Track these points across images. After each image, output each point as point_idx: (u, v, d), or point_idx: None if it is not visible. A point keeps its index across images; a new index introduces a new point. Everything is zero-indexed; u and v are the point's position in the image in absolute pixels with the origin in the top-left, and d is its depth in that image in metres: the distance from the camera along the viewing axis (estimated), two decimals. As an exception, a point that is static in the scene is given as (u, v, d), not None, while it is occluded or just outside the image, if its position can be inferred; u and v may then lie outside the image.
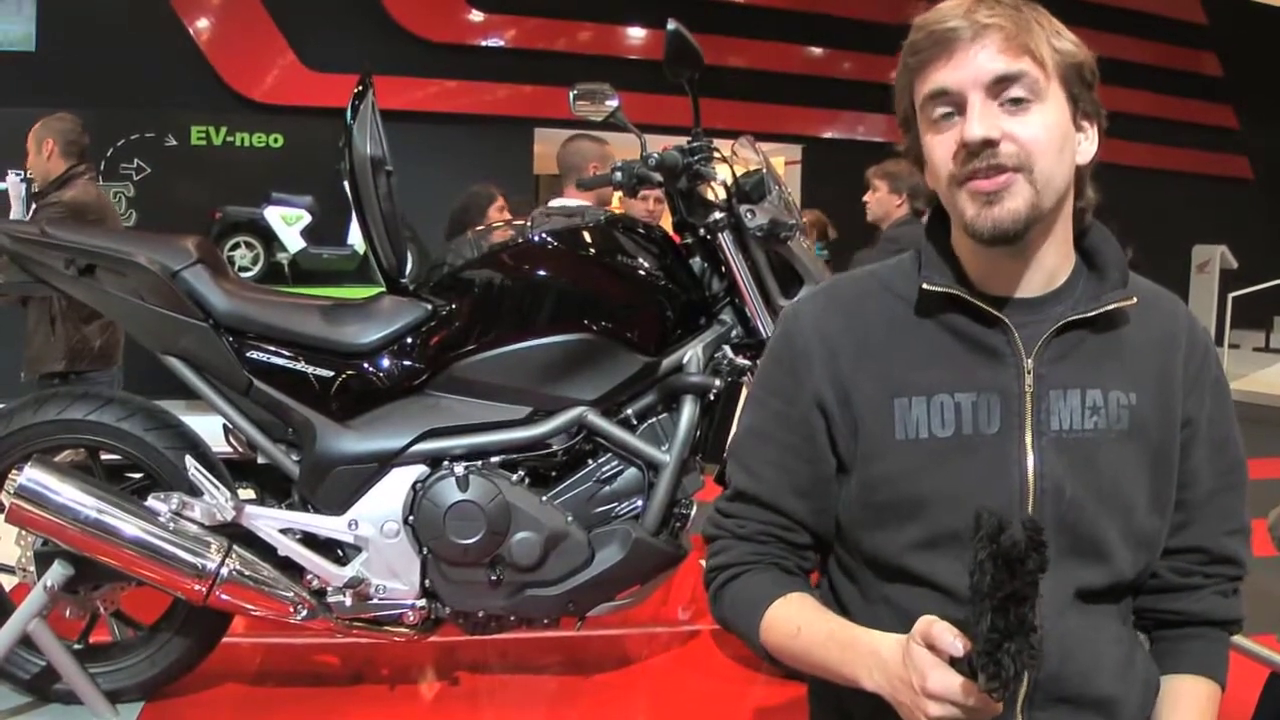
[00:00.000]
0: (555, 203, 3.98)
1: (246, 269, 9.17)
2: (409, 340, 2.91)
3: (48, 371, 4.54)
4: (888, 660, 1.16)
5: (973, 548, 1.03)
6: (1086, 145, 1.29)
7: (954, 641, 1.07)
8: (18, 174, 5.28)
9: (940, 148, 1.24)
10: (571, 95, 3.06)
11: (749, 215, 2.99)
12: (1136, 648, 1.37)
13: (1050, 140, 1.22)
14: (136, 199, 9.29)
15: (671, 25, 2.86)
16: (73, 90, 8.52)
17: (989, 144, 1.20)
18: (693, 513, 2.98)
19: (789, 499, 1.37)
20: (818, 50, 12.15)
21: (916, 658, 1.10)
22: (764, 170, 3.14)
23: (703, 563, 1.47)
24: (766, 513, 1.39)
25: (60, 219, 4.27)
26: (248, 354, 2.87)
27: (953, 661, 1.08)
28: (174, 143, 9.51)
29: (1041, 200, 1.22)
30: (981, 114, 1.20)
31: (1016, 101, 1.21)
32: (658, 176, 3.03)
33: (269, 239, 9.32)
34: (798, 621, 1.32)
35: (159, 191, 9.33)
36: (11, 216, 5.28)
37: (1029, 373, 1.28)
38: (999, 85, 1.20)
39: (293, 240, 9.29)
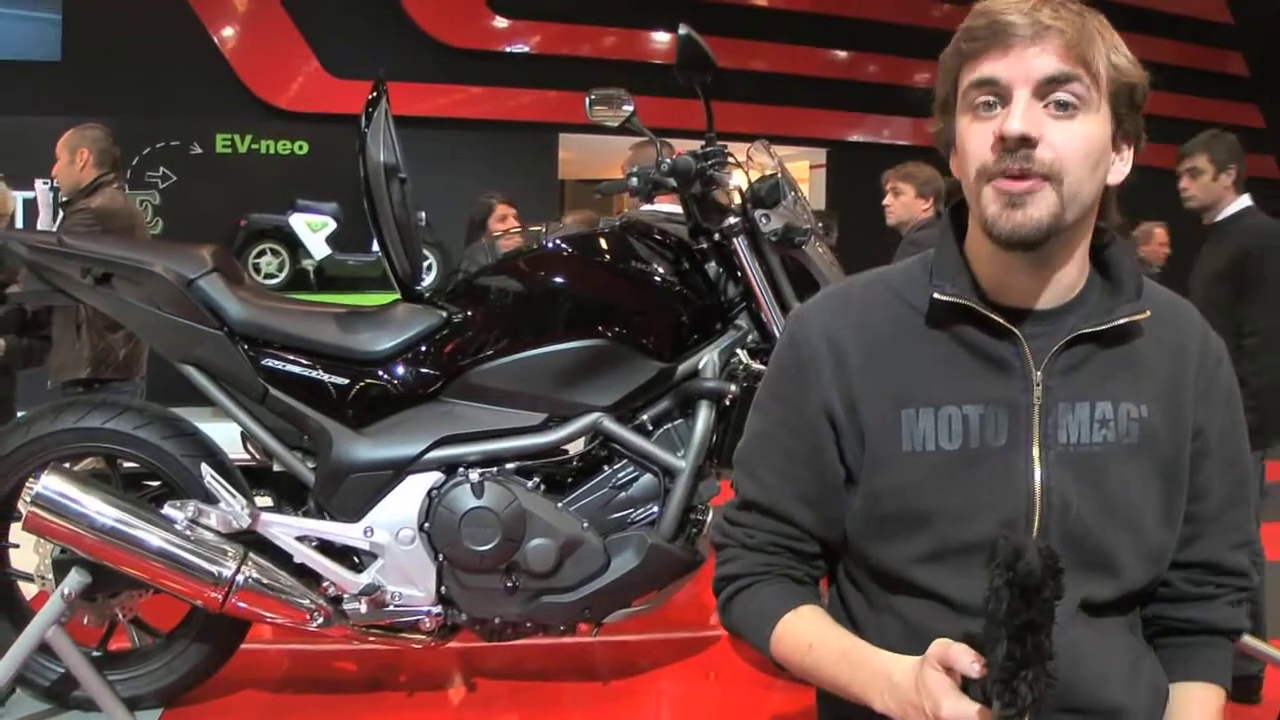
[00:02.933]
0: (647, 207, 3.94)
1: (272, 276, 9.22)
2: (424, 347, 2.91)
3: (72, 379, 4.57)
4: (900, 684, 1.15)
5: (989, 573, 1.01)
6: (1120, 165, 1.25)
7: (971, 663, 1.06)
8: (46, 182, 5.31)
9: (976, 137, 1.20)
10: (588, 100, 3.05)
11: (764, 220, 2.98)
12: (1144, 656, 1.35)
13: (1087, 153, 1.18)
14: (162, 207, 9.36)
15: (683, 30, 2.83)
16: (98, 99, 8.60)
17: (1026, 142, 1.16)
18: (709, 518, 2.96)
19: (796, 508, 1.35)
20: (842, 53, 12.10)
21: (931, 683, 1.09)
22: (779, 175, 3.11)
23: None
24: (774, 522, 1.36)
25: (86, 227, 4.29)
26: (263, 362, 2.88)
27: (965, 685, 1.07)
28: (199, 151, 9.58)
29: (1065, 213, 1.18)
30: (1026, 110, 1.16)
31: (1062, 106, 1.17)
32: (672, 182, 3.01)
33: (294, 246, 9.36)
34: (809, 638, 1.30)
35: (185, 199, 9.39)
36: (40, 224, 5.33)
37: (1038, 385, 1.25)
38: (1049, 85, 1.16)
39: (318, 247, 9.33)
